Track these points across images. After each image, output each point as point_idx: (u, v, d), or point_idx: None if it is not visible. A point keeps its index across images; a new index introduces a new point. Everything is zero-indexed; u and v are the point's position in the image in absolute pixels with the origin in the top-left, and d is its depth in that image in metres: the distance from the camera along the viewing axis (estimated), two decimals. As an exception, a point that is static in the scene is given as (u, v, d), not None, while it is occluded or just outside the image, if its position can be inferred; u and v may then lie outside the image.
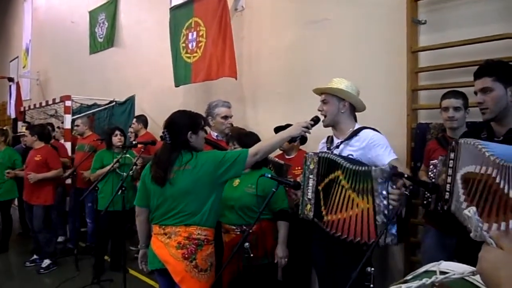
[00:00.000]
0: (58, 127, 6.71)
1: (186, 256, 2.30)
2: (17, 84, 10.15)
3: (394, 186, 2.01)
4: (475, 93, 1.90)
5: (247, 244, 2.34)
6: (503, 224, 1.55)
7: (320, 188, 2.31)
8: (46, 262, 4.92)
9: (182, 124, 2.43)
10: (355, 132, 2.43)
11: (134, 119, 5.87)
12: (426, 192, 2.46)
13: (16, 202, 6.34)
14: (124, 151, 4.27)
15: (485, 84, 1.84)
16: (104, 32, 7.95)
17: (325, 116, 2.50)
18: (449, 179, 1.84)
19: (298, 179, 2.52)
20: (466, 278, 0.86)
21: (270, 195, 2.31)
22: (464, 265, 0.90)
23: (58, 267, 4.97)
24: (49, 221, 5.12)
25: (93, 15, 8.26)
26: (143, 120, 5.79)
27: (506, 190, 1.57)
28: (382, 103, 3.30)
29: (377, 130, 2.47)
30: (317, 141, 2.79)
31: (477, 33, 2.92)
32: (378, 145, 2.34)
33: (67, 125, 6.28)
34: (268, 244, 2.78)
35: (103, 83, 7.81)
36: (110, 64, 7.76)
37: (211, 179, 2.35)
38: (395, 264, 3.46)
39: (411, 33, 3.29)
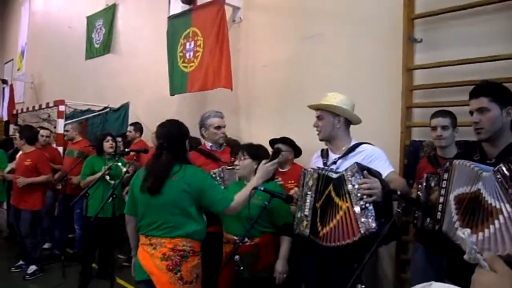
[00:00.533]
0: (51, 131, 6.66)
1: (171, 267, 2.27)
2: (11, 86, 10.11)
3: (362, 177, 2.06)
4: (471, 112, 1.90)
5: (237, 257, 2.32)
6: (486, 231, 1.56)
7: (318, 205, 2.29)
8: (32, 268, 4.83)
9: (180, 134, 2.43)
10: (352, 148, 2.44)
11: (132, 127, 5.85)
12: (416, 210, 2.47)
13: (4, 205, 6.26)
14: (116, 158, 4.23)
15: (481, 104, 1.85)
16: (101, 38, 7.95)
17: (320, 132, 2.51)
18: (441, 199, 1.85)
19: (291, 193, 2.51)
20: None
21: (261, 210, 2.31)
22: (456, 287, 0.89)
23: (44, 274, 4.87)
24: (37, 226, 5.04)
25: (91, 20, 8.27)
26: (139, 128, 5.81)
27: (487, 199, 1.60)
28: (376, 119, 3.31)
29: (372, 145, 2.49)
30: (310, 154, 2.78)
31: (472, 53, 2.96)
32: (377, 158, 2.37)
33: (60, 130, 6.25)
34: (269, 258, 2.75)
35: (97, 89, 7.79)
36: (105, 70, 7.75)
37: (192, 197, 2.34)
38: (386, 280, 3.44)
39: (407, 51, 3.33)
